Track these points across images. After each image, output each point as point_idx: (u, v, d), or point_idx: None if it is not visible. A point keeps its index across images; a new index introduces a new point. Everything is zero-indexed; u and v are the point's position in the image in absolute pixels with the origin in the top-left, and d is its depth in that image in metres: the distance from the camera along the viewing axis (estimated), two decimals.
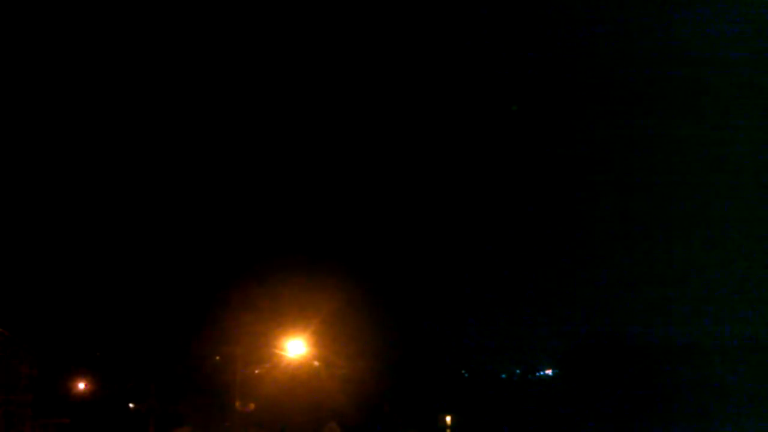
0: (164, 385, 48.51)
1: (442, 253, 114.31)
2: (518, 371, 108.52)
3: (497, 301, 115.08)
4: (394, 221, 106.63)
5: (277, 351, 44.78)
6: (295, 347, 43.69)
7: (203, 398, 50.96)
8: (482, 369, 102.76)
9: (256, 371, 49.95)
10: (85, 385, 55.09)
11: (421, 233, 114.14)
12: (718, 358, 76.57)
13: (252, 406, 52.85)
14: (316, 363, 55.22)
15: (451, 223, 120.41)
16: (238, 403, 42.62)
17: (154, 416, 45.07)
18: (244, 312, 48.20)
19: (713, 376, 72.81)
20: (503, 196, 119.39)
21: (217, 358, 52.12)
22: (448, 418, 75.68)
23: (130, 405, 54.68)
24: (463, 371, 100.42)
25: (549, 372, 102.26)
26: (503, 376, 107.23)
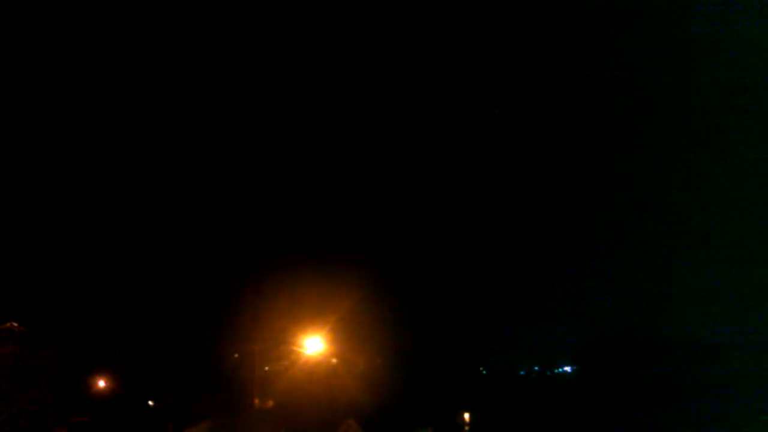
0: (183, 383, 48.69)
1: (461, 250, 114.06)
2: (536, 368, 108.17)
3: (516, 298, 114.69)
4: (414, 219, 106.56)
5: (295, 348, 44.81)
6: (313, 344, 43.68)
7: (222, 396, 51.11)
8: (500, 366, 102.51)
9: (275, 369, 50.00)
10: (105, 384, 55.36)
11: (440, 231, 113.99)
12: (736, 356, 76.14)
13: (270, 403, 52.97)
14: (334, 360, 55.22)
15: (470, 221, 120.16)
16: (256, 401, 42.68)
17: (173, 414, 45.22)
18: (262, 310, 48.25)
19: (731, 374, 72.42)
20: (523, 197, 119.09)
21: (236, 355, 52.24)
22: (467, 415, 75.53)
23: (150, 403, 54.94)
24: (481, 368, 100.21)
25: (567, 369, 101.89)
26: (521, 372, 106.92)
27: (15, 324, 38.17)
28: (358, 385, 58.20)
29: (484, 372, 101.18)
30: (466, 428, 74.95)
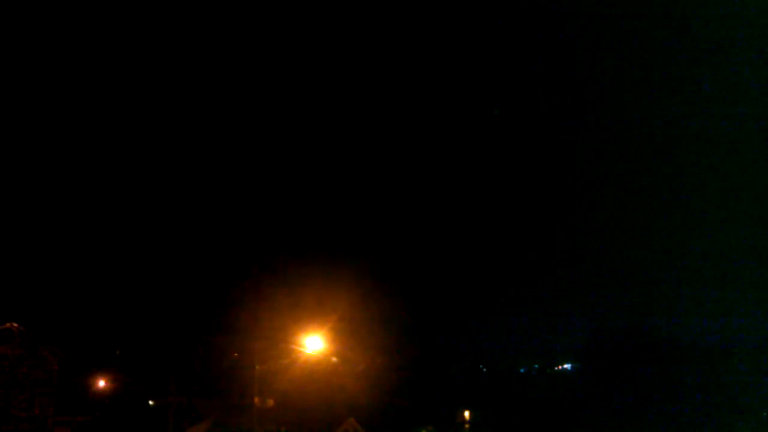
0: (184, 382, 48.75)
1: (461, 249, 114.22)
2: (536, 366, 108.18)
3: (516, 297, 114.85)
4: (414, 219, 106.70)
5: (295, 347, 44.83)
6: (314, 343, 43.72)
7: (222, 394, 51.20)
8: (501, 364, 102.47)
9: (275, 367, 50.04)
10: (106, 383, 55.45)
11: (440, 231, 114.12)
12: (737, 355, 76.23)
13: (271, 401, 53.02)
14: (334, 359, 55.27)
15: (470, 220, 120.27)
16: (256, 399, 42.72)
17: (174, 413, 45.29)
18: (262, 309, 48.34)
19: (731, 372, 72.51)
20: (524, 196, 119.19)
21: (236, 354, 52.32)
22: (467, 413, 75.59)
23: (150, 402, 55.00)
24: (481, 366, 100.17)
25: (567, 366, 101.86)
26: (522, 370, 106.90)
27: (15, 324, 38.30)
28: (359, 384, 58.26)
29: (485, 370, 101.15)
30: (467, 426, 75.01)
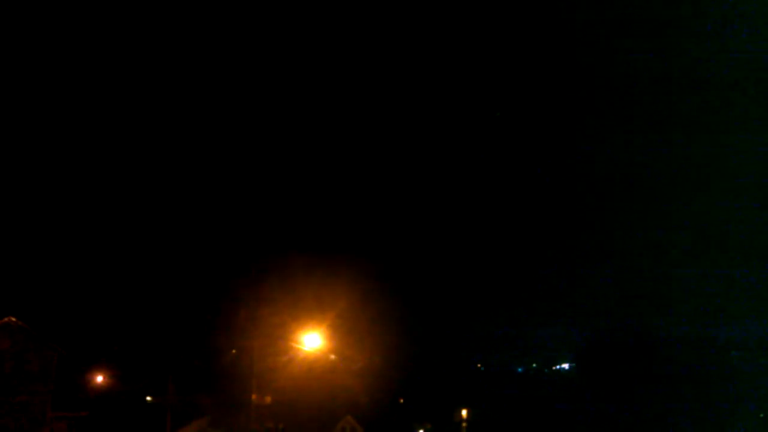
0: (181, 379, 48.75)
1: (460, 248, 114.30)
2: (534, 365, 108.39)
3: (514, 296, 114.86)
4: (413, 217, 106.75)
5: (293, 344, 44.79)
6: (312, 341, 43.67)
7: (220, 391, 51.19)
8: (498, 363, 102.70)
9: (273, 365, 50.06)
10: (104, 379, 55.44)
11: (439, 230, 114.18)
12: (735, 354, 76.39)
13: (269, 399, 53.05)
14: (332, 356, 55.31)
15: (469, 220, 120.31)
16: (254, 396, 42.71)
17: (172, 409, 45.31)
18: (260, 305, 48.29)
19: (729, 371, 72.66)
20: (523, 196, 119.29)
21: (234, 351, 52.30)
22: (464, 412, 75.66)
23: (148, 398, 55.01)
24: (479, 365, 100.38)
25: (565, 366, 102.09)
26: (519, 370, 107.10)
27: (14, 319, 38.27)
28: (357, 382, 58.30)
29: (482, 369, 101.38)
30: (464, 425, 75.09)
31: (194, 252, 59.11)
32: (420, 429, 67.08)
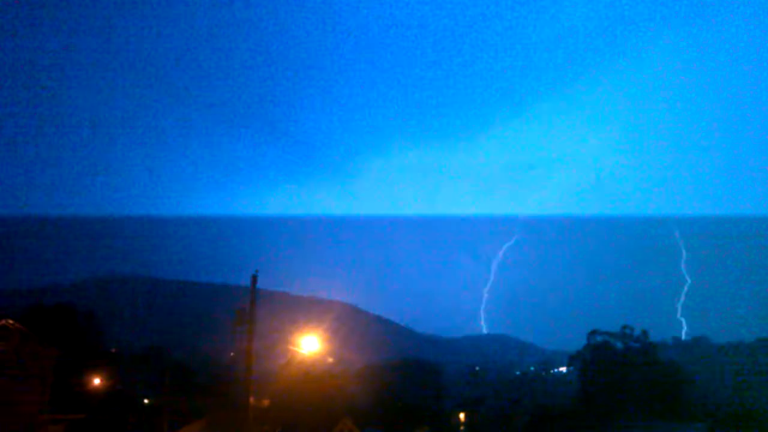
0: (179, 381, 48.77)
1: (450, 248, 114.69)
2: (532, 368, 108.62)
3: (508, 297, 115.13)
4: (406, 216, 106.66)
5: (291, 347, 44.82)
6: (310, 344, 43.68)
7: (217, 394, 51.19)
8: (497, 366, 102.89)
9: (271, 367, 50.15)
10: (101, 381, 55.35)
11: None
12: (730, 357, 76.70)
13: (266, 401, 53.08)
14: (330, 359, 55.34)
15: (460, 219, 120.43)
16: (252, 399, 42.67)
17: (168, 412, 45.24)
18: (259, 308, 48.27)
19: (724, 374, 73.02)
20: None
21: (232, 354, 52.29)
22: (462, 415, 75.74)
23: (145, 400, 54.96)
24: (477, 368, 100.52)
25: (563, 369, 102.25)
26: (518, 373, 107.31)
27: (11, 321, 38.19)
28: (355, 384, 58.33)
29: (480, 371, 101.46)
30: (462, 428, 75.16)
31: (190, 254, 59.06)
32: (417, 431, 67.11)
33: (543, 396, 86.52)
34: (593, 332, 77.86)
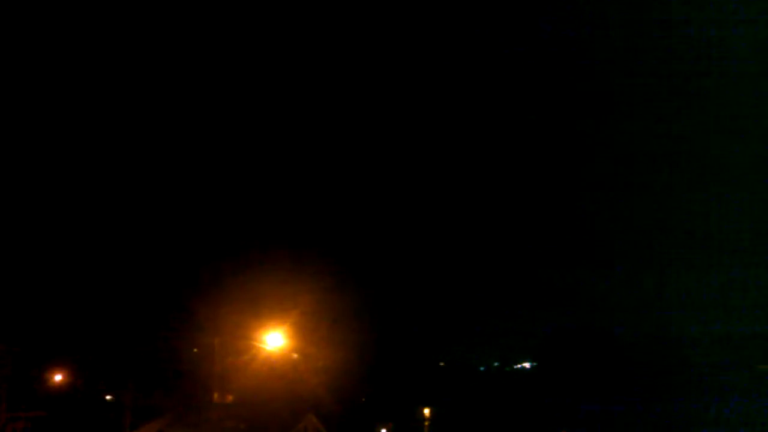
0: (141, 378, 48.23)
1: (421, 245, 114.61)
2: (496, 364, 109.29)
3: (476, 295, 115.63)
4: (373, 213, 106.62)
5: (255, 343, 44.69)
6: (274, 339, 43.63)
7: (180, 390, 50.71)
8: (461, 362, 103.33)
9: (235, 363, 49.79)
10: (62, 378, 54.57)
11: (401, 226, 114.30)
12: (695, 351, 77.71)
13: (230, 397, 52.71)
14: (294, 355, 55.14)
15: (430, 216, 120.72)
16: (215, 395, 42.50)
17: (131, 409, 44.82)
18: (222, 303, 47.97)
19: (685, 366, 73.94)
20: (484, 192, 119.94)
21: (195, 350, 51.87)
22: (426, 411, 76.05)
23: (108, 397, 54.29)
24: (441, 364, 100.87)
25: (527, 365, 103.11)
26: (482, 368, 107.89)
27: None
28: (319, 380, 58.19)
29: (444, 368, 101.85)
30: (426, 423, 75.45)
31: (153, 248, 58.38)
32: (382, 428, 67.26)
33: (506, 391, 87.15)
34: None
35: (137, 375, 47.33)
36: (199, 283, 52.10)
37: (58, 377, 54.44)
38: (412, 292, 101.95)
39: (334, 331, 59.27)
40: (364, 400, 68.04)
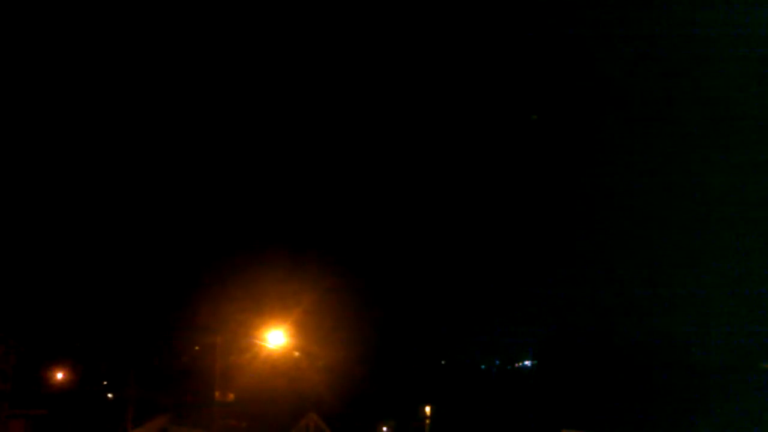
0: (143, 376, 48.29)
1: (423, 245, 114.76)
2: (497, 362, 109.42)
3: (478, 294, 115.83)
4: (376, 213, 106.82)
5: (257, 341, 44.72)
6: (276, 337, 43.66)
7: (182, 388, 50.81)
8: (462, 360, 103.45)
9: (237, 361, 49.87)
10: (63, 376, 54.67)
11: (403, 226, 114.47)
12: (694, 352, 77.76)
13: (232, 396, 52.82)
14: (296, 353, 55.21)
15: (432, 217, 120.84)
16: (217, 394, 42.55)
17: (133, 406, 44.84)
18: (224, 302, 48.08)
19: (684, 366, 73.96)
20: (485, 193, 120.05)
21: (197, 348, 51.97)
22: (428, 409, 76.07)
23: (109, 395, 54.39)
24: (443, 362, 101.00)
25: (527, 363, 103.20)
26: (483, 367, 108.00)
27: None
28: (321, 379, 58.25)
29: (446, 366, 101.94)
30: (427, 422, 75.49)
31: (156, 247, 58.53)
32: (383, 426, 67.33)
33: (507, 390, 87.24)
34: None
35: (139, 373, 47.37)
36: (201, 282, 52.26)
37: (60, 375, 54.57)
38: (414, 291, 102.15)
39: (336, 329, 59.40)
40: (365, 398, 68.09)
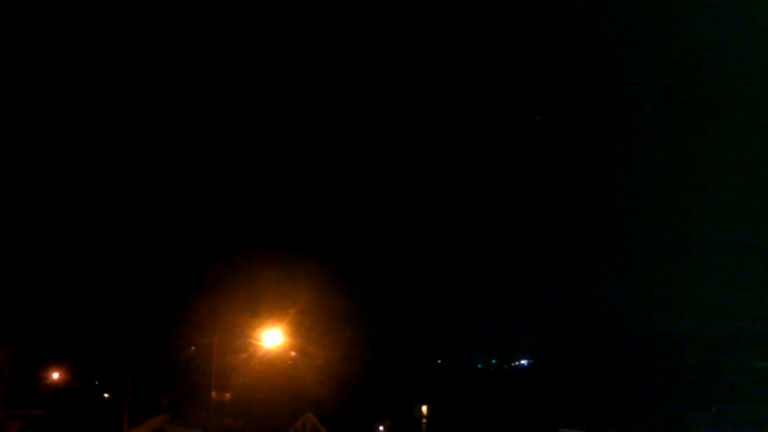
0: (139, 376, 48.23)
1: (420, 243, 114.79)
2: (494, 361, 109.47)
3: (474, 292, 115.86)
4: (371, 212, 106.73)
5: (253, 341, 44.65)
6: (272, 337, 43.57)
7: (179, 388, 50.78)
8: (459, 359, 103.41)
9: (233, 361, 49.85)
10: (60, 376, 54.58)
11: (399, 225, 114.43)
12: (690, 350, 77.83)
13: (228, 395, 52.78)
14: (293, 353, 55.21)
15: (428, 215, 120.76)
16: (213, 393, 42.47)
17: (129, 407, 44.78)
18: (220, 302, 48.03)
19: (683, 365, 74.09)
20: (482, 191, 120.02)
21: (193, 348, 51.92)
22: (424, 408, 76.11)
23: (106, 395, 54.31)
24: (439, 361, 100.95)
25: (524, 362, 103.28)
26: (479, 366, 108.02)
27: None
28: (317, 378, 58.25)
29: (442, 365, 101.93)
30: (424, 421, 75.53)
31: (152, 247, 58.43)
32: (380, 425, 67.37)
33: (504, 388, 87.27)
34: None
35: (136, 373, 47.31)
36: (197, 281, 52.19)
37: (56, 375, 54.47)
38: (410, 289, 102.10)
39: (333, 329, 59.39)
40: (362, 397, 68.10)
